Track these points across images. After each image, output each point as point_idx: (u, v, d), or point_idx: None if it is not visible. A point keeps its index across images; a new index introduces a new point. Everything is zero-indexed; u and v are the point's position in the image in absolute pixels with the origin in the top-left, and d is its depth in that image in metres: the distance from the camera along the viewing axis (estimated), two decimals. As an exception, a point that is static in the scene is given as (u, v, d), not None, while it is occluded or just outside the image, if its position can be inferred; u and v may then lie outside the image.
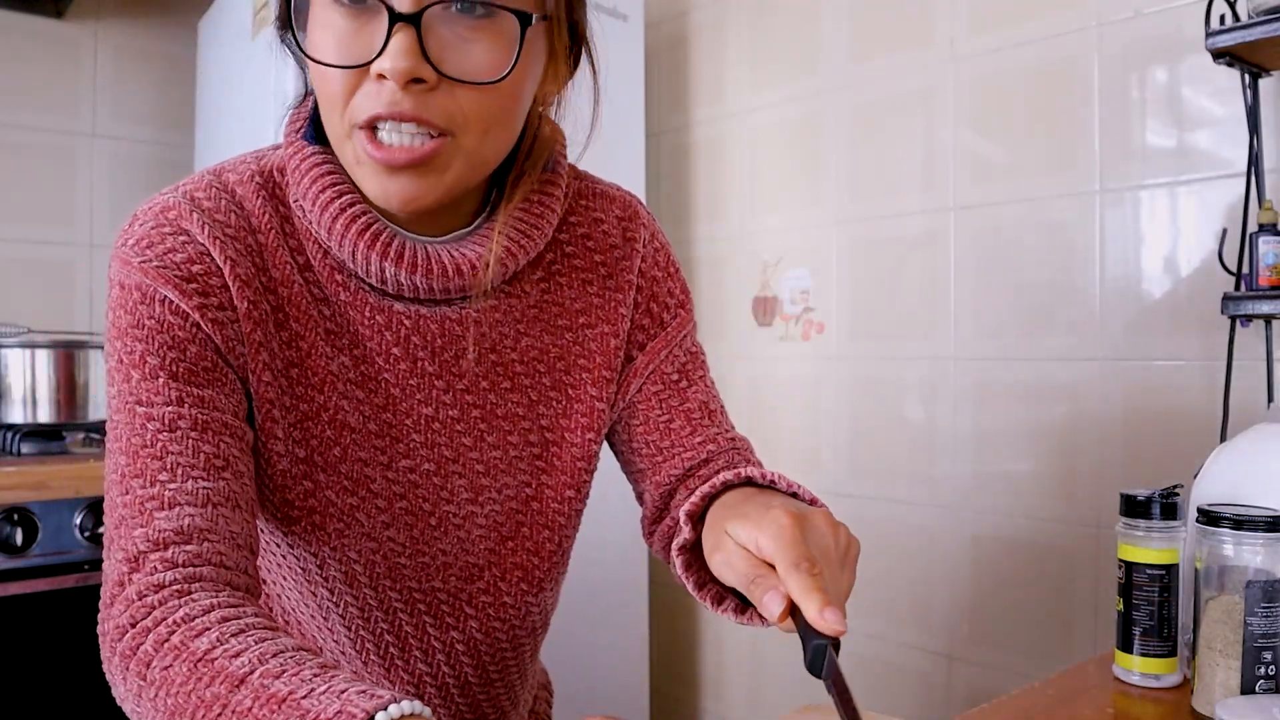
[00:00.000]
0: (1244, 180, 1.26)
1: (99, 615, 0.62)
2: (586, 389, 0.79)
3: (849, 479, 1.79)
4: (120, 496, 0.62)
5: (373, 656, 0.78)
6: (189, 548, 0.60)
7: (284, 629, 0.79)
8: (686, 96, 2.12)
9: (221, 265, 0.66)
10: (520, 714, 0.89)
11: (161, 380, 0.64)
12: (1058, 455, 1.50)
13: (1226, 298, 1.21)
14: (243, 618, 0.58)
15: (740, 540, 0.62)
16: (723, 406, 0.87)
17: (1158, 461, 1.38)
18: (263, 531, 0.74)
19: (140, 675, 0.57)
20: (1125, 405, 1.43)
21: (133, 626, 0.58)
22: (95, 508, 1.45)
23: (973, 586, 1.60)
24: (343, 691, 0.51)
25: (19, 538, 1.38)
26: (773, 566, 0.59)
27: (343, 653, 0.78)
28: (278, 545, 0.74)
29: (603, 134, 0.76)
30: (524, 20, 0.61)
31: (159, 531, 0.60)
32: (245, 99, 1.79)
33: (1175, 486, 0.85)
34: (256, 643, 0.55)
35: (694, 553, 0.71)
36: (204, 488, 0.62)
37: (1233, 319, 1.26)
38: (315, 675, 0.53)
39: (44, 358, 1.68)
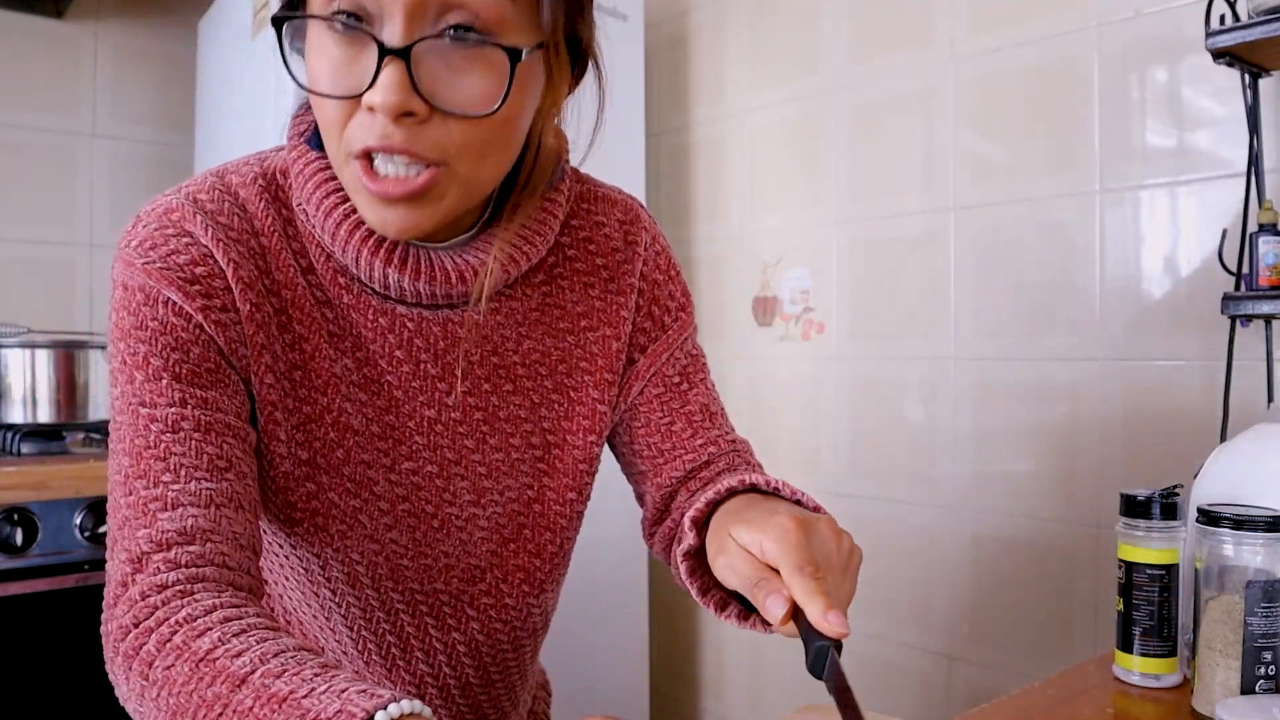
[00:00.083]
0: (1244, 180, 1.26)
1: (102, 615, 0.62)
2: (588, 391, 0.79)
3: (849, 479, 1.79)
4: (124, 497, 0.63)
5: (374, 656, 0.78)
6: (192, 548, 0.60)
7: (286, 629, 0.79)
8: (686, 96, 2.12)
9: (224, 267, 0.66)
10: (520, 714, 0.89)
11: (165, 381, 0.64)
12: (1058, 455, 1.50)
13: (1226, 298, 1.21)
14: (244, 618, 0.58)
15: (744, 544, 0.63)
16: (723, 409, 0.87)
17: (1158, 461, 1.38)
18: (265, 532, 0.74)
19: (143, 675, 0.57)
20: (1125, 405, 1.43)
21: (135, 627, 0.58)
22: (95, 508, 1.45)
23: (973, 586, 1.60)
24: (343, 691, 0.51)
25: (19, 538, 1.38)
26: (777, 571, 0.59)
27: (344, 652, 0.78)
28: (280, 546, 0.74)
29: (603, 134, 0.75)
30: (514, 55, 0.60)
31: (162, 532, 0.60)
32: (245, 99, 1.79)
33: (1175, 486, 0.85)
34: (258, 642, 0.56)
35: (698, 558, 0.71)
36: (207, 488, 0.62)
37: (1233, 319, 1.26)
38: (316, 675, 0.53)
39: (44, 358, 1.68)
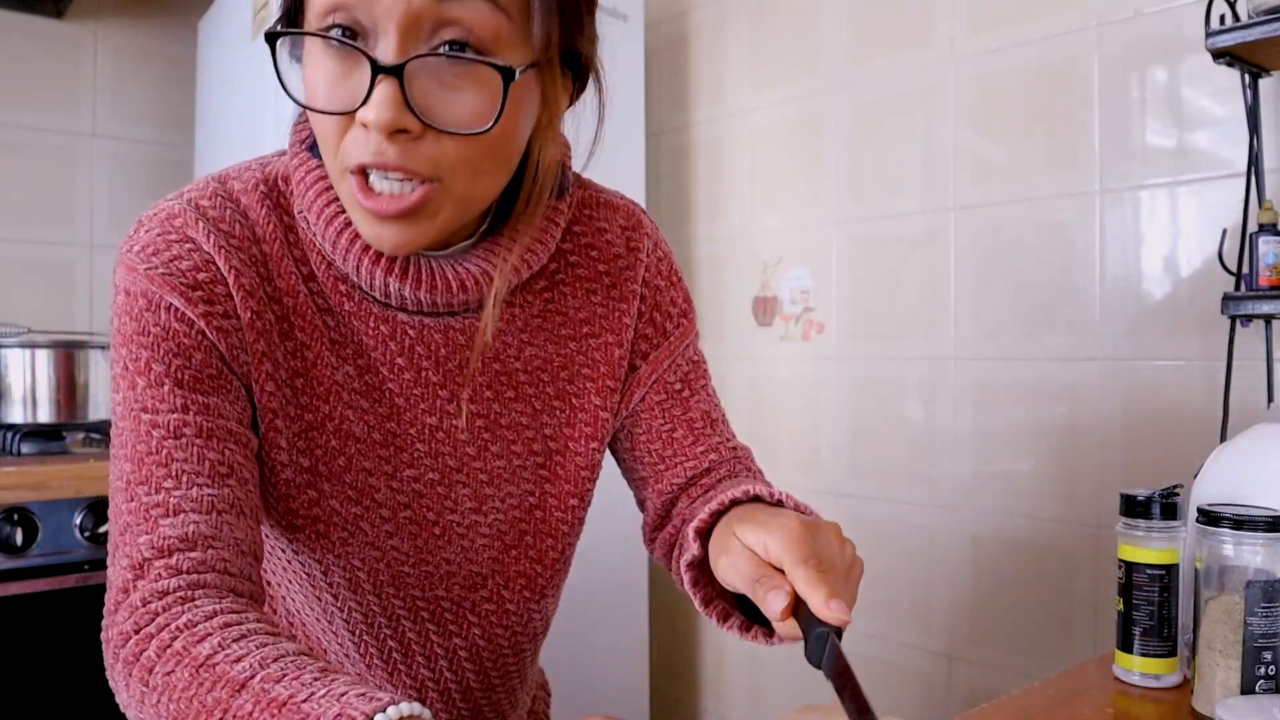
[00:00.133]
0: (1244, 180, 1.26)
1: (103, 622, 0.62)
2: (590, 398, 0.79)
3: (849, 479, 1.79)
4: (125, 503, 0.63)
5: (376, 661, 0.78)
6: (193, 555, 0.61)
7: (286, 633, 0.79)
8: (686, 96, 2.12)
9: (226, 274, 0.66)
10: (520, 715, 0.89)
11: (167, 387, 0.64)
12: (1058, 455, 1.50)
13: (1226, 298, 1.21)
14: (245, 623, 0.58)
15: (748, 543, 0.63)
16: (724, 415, 0.87)
17: (1158, 461, 1.38)
18: (267, 537, 0.74)
19: (143, 681, 0.57)
20: (1125, 405, 1.43)
21: (136, 633, 0.58)
22: (95, 508, 1.45)
23: (973, 586, 1.60)
24: (342, 694, 0.51)
25: (19, 538, 1.38)
26: (781, 572, 0.60)
27: (346, 656, 0.78)
28: (282, 550, 0.74)
29: (602, 146, 0.75)
30: (507, 74, 0.60)
31: (163, 538, 0.60)
32: (245, 99, 1.79)
33: (1175, 486, 0.85)
34: (258, 647, 0.56)
35: (701, 569, 0.71)
36: (209, 495, 0.62)
37: (1233, 319, 1.26)
38: (316, 679, 0.53)
39: (44, 358, 1.68)
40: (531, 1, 0.61)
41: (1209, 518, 0.77)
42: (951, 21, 1.62)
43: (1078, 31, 1.46)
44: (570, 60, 0.68)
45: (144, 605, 0.59)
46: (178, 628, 0.57)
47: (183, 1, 2.17)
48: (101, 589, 0.63)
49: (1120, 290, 1.43)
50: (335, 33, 0.60)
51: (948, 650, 1.64)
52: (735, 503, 0.71)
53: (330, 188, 0.68)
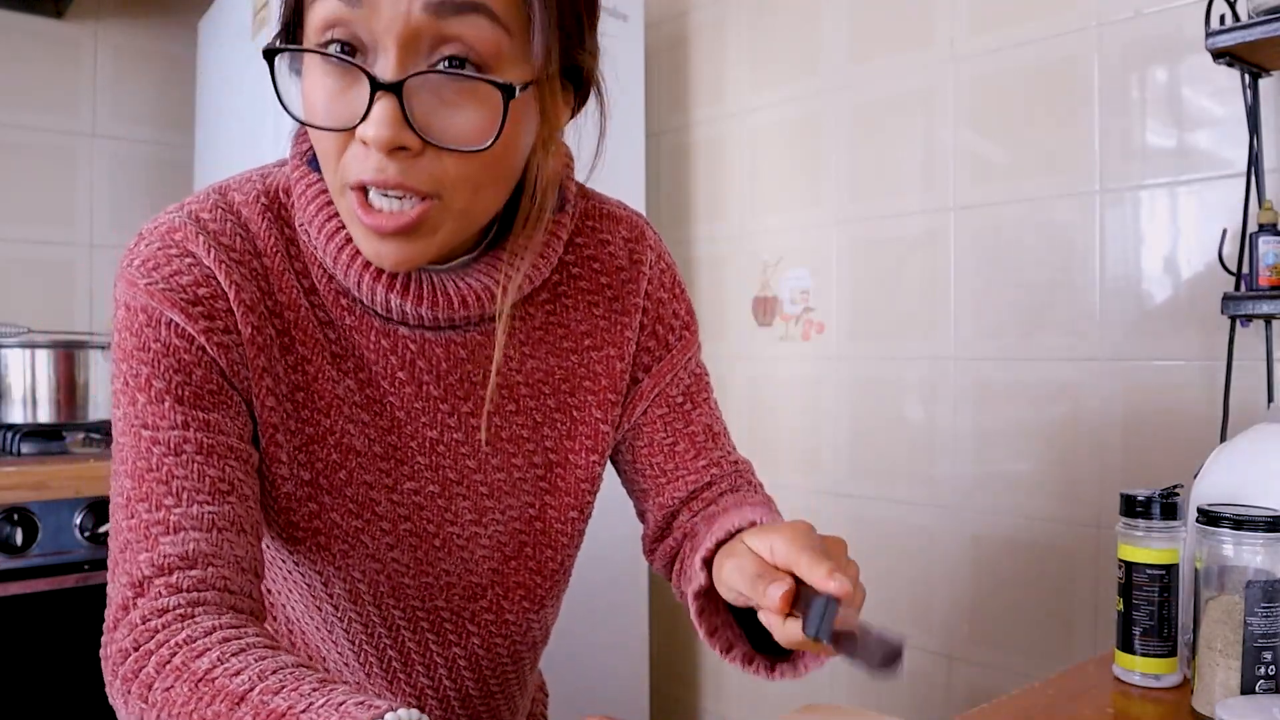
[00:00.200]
0: (1244, 180, 1.26)
1: (102, 639, 0.62)
2: (591, 411, 0.79)
3: (849, 479, 1.79)
4: (125, 520, 0.62)
5: (375, 669, 0.78)
6: (193, 573, 0.60)
7: (286, 642, 0.79)
8: (686, 96, 2.12)
9: (227, 290, 0.66)
10: None
11: (167, 404, 0.64)
12: (1058, 455, 1.50)
13: (1226, 298, 1.21)
14: (244, 637, 0.58)
15: (754, 547, 0.63)
16: (725, 429, 0.87)
17: (1158, 461, 1.38)
18: (267, 547, 0.74)
19: (142, 698, 0.57)
20: (1125, 405, 1.43)
21: (135, 650, 0.58)
22: (95, 508, 1.45)
23: (973, 586, 1.60)
24: (340, 703, 0.52)
25: (19, 538, 1.38)
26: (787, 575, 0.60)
27: (345, 664, 0.78)
28: (282, 561, 0.74)
29: (604, 160, 0.74)
30: (508, 93, 0.59)
31: (164, 556, 0.60)
32: (245, 99, 1.79)
33: (1175, 486, 0.85)
34: (256, 660, 0.56)
35: (707, 598, 0.70)
36: (209, 512, 0.62)
37: (1233, 319, 1.26)
38: (314, 689, 0.53)
39: (44, 358, 1.68)
40: (532, 18, 0.60)
41: (1209, 518, 0.77)
42: (951, 21, 1.62)
43: (1078, 31, 1.46)
44: (571, 74, 0.67)
45: (144, 623, 0.59)
46: (177, 644, 0.57)
47: (183, 1, 2.17)
48: (102, 589, 0.63)
49: (1120, 290, 1.43)
50: (334, 48, 0.59)
51: (948, 650, 1.64)
52: (739, 531, 0.71)
53: (330, 202, 0.67)
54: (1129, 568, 0.84)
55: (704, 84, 2.08)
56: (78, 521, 1.44)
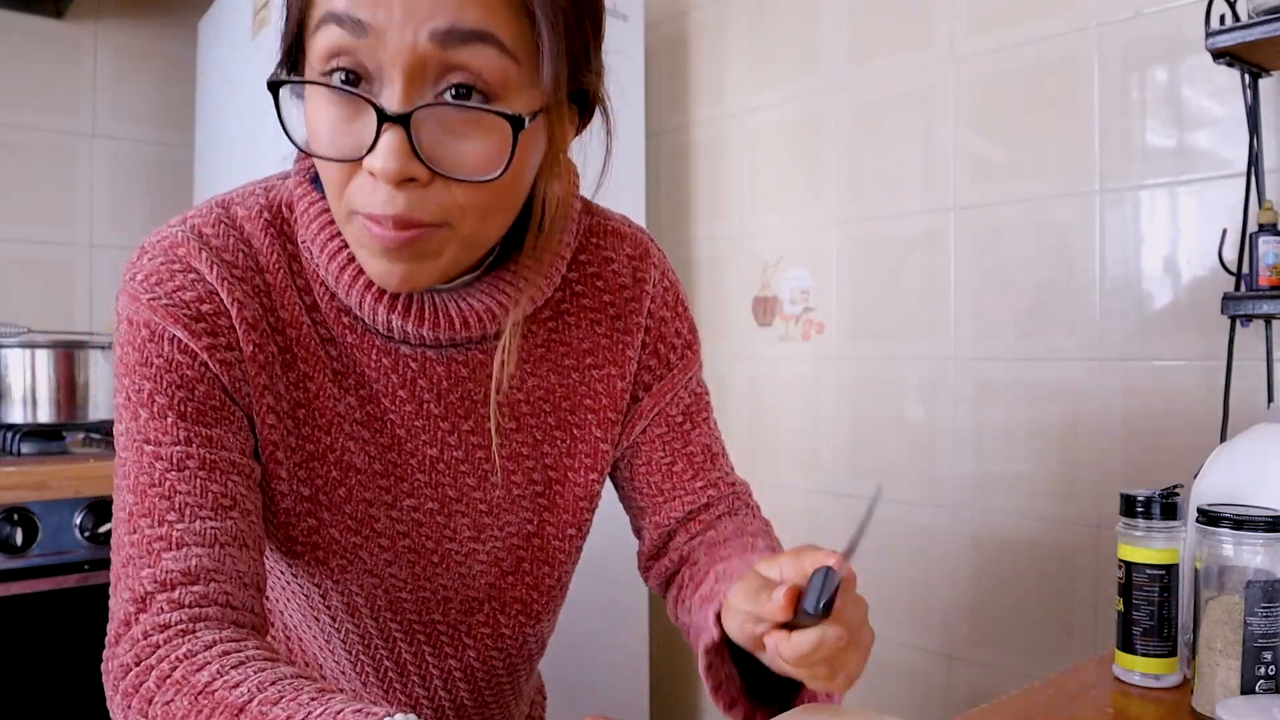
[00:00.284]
0: (1244, 180, 1.26)
1: (104, 653, 0.62)
2: (591, 430, 0.79)
3: (849, 479, 1.79)
4: (128, 535, 0.62)
5: (372, 679, 0.78)
6: (195, 588, 0.61)
7: (285, 649, 0.80)
8: (686, 96, 2.12)
9: (229, 307, 0.65)
10: None
11: (170, 420, 0.63)
12: (1058, 455, 1.50)
13: (1226, 298, 1.21)
14: (243, 650, 0.58)
15: (764, 571, 0.63)
16: (724, 449, 0.87)
17: (1158, 461, 1.38)
18: (267, 557, 0.74)
19: (142, 713, 0.57)
20: (1125, 405, 1.43)
21: (136, 665, 0.58)
22: (95, 508, 1.45)
23: (973, 586, 1.60)
24: (338, 712, 0.52)
25: (19, 538, 1.38)
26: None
27: (342, 673, 0.79)
28: (282, 571, 0.74)
29: (609, 178, 0.74)
30: (517, 124, 0.58)
31: (166, 572, 0.60)
32: (245, 99, 1.79)
33: (1175, 486, 0.85)
34: (256, 672, 0.56)
35: (716, 654, 0.70)
36: (211, 528, 0.62)
37: (1233, 319, 1.26)
38: (312, 699, 0.53)
39: (44, 358, 1.68)
40: (541, 46, 0.59)
41: (1209, 518, 0.77)
42: (951, 21, 1.62)
43: (1078, 31, 1.46)
44: (576, 95, 0.67)
45: (145, 638, 0.59)
46: (177, 658, 0.57)
47: (183, 1, 2.17)
48: (102, 589, 0.63)
49: (1120, 290, 1.43)
50: (338, 77, 0.58)
51: (948, 650, 1.64)
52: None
53: (333, 221, 0.67)
54: (1129, 568, 0.84)
55: (704, 84, 2.08)
56: (78, 521, 1.44)
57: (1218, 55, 1.17)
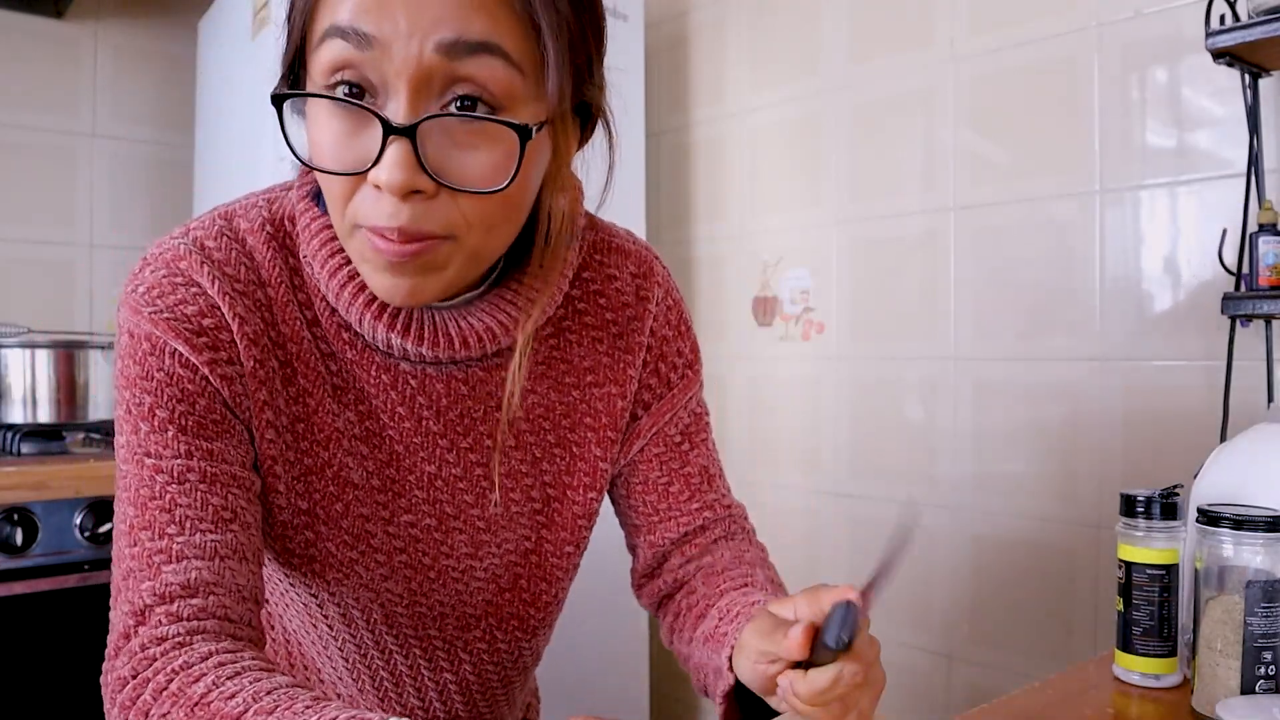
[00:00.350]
0: (1244, 180, 1.26)
1: (103, 666, 0.62)
2: (590, 448, 0.78)
3: (849, 479, 1.79)
4: (128, 548, 0.62)
5: (368, 687, 0.79)
6: (194, 601, 0.61)
7: (284, 653, 0.80)
8: (686, 96, 2.12)
9: (230, 321, 0.65)
10: None
11: (170, 433, 0.63)
12: (1058, 455, 1.50)
13: (1226, 298, 1.21)
14: (239, 661, 0.58)
15: (778, 611, 0.63)
16: (721, 471, 0.86)
17: (1158, 461, 1.38)
18: (265, 565, 0.74)
19: None
20: (1125, 405, 1.43)
21: (134, 678, 0.58)
22: (95, 508, 1.45)
23: (973, 586, 1.60)
24: (334, 719, 0.52)
25: (19, 538, 1.38)
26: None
27: (339, 679, 0.79)
28: (280, 580, 0.75)
29: (612, 193, 0.73)
30: (524, 134, 0.58)
31: (165, 585, 0.60)
32: (245, 99, 1.79)
33: (1175, 486, 0.85)
34: (251, 683, 0.56)
35: (731, 703, 0.70)
36: (211, 541, 0.62)
37: (1233, 319, 1.26)
38: (307, 708, 0.53)
39: (44, 358, 1.68)
40: (546, 57, 0.59)
41: (1209, 518, 0.77)
42: (951, 21, 1.62)
43: (1078, 31, 1.46)
44: (579, 108, 0.66)
45: (142, 650, 0.59)
46: (173, 670, 0.57)
47: (183, 1, 2.17)
48: (102, 589, 0.63)
49: (1120, 290, 1.43)
50: (342, 90, 0.58)
51: (948, 650, 1.64)
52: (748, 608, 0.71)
53: (335, 238, 0.67)
54: (1129, 568, 0.84)
55: (704, 84, 2.08)
56: (78, 521, 1.44)
57: (1218, 55, 1.17)
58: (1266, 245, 1.19)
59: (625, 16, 1.92)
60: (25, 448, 1.58)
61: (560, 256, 0.71)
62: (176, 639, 0.59)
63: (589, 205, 0.76)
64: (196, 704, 0.55)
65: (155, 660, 0.58)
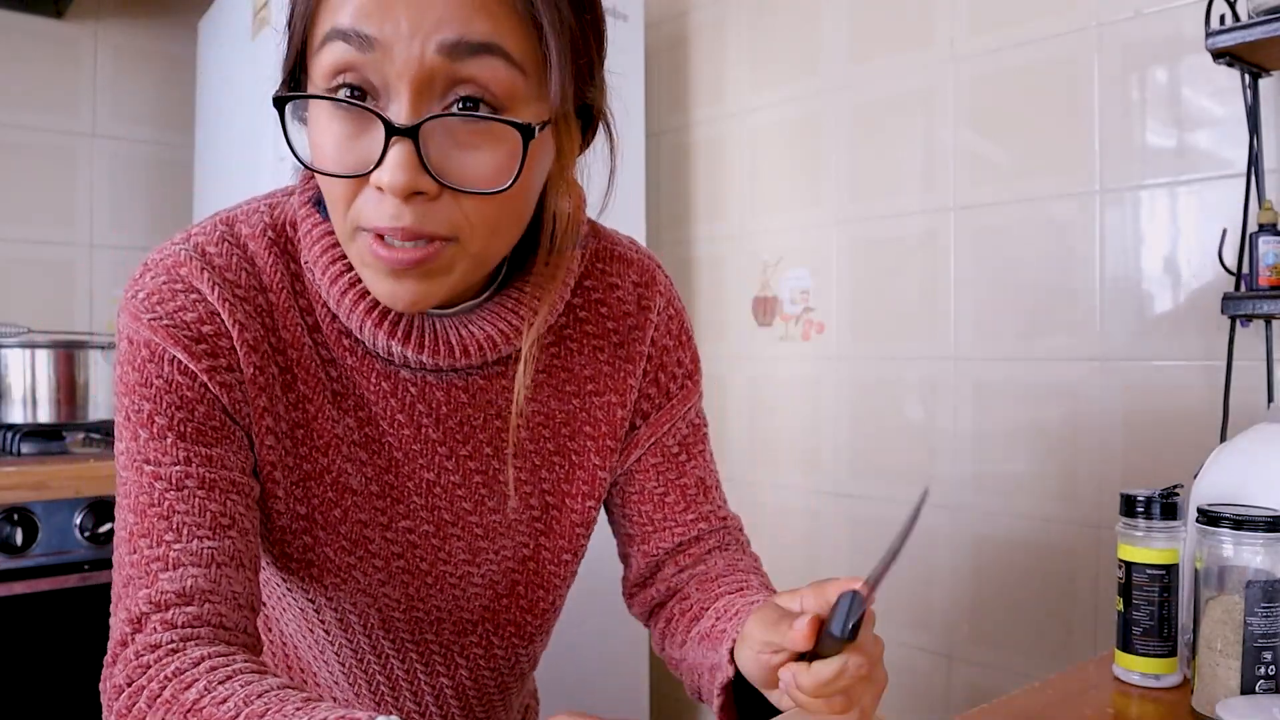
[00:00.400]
0: (1244, 180, 1.26)
1: (102, 673, 0.62)
2: (590, 457, 0.78)
3: (849, 479, 1.79)
4: (128, 556, 0.63)
5: (364, 690, 0.79)
6: (189, 609, 0.61)
7: (281, 657, 0.80)
8: (686, 96, 2.12)
9: (230, 328, 0.65)
10: None
11: (169, 440, 0.63)
12: (1058, 455, 1.50)
13: (1226, 298, 1.21)
14: (231, 664, 0.58)
15: (783, 603, 0.63)
16: (718, 482, 0.86)
17: (1158, 461, 1.38)
18: (265, 568, 0.74)
19: None
20: (1125, 405, 1.43)
21: (129, 686, 0.59)
22: (95, 508, 1.45)
23: (973, 586, 1.60)
24: (323, 719, 0.52)
25: (19, 538, 1.38)
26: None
27: (335, 683, 0.79)
28: (278, 584, 0.74)
29: (614, 196, 0.73)
30: (527, 134, 0.58)
31: (161, 593, 0.61)
32: (245, 99, 1.79)
33: (1175, 486, 0.85)
34: (242, 686, 0.56)
35: (729, 696, 0.70)
36: (209, 548, 0.62)
37: (1233, 319, 1.26)
38: (298, 709, 0.53)
39: (44, 358, 1.68)
40: (548, 57, 0.59)
41: (1209, 518, 0.77)
42: (951, 21, 1.62)
43: (1078, 31, 1.46)
44: (581, 110, 0.66)
45: (137, 658, 0.59)
46: (166, 677, 0.57)
47: (183, 1, 2.17)
48: (102, 589, 0.63)
49: (1120, 290, 1.43)
50: (344, 93, 0.58)
51: (948, 650, 1.64)
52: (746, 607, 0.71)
53: (336, 244, 0.67)
54: (1129, 568, 0.84)
55: (704, 84, 2.08)
56: (78, 521, 1.44)
57: (1218, 55, 1.17)
58: (1266, 245, 1.19)
59: (625, 16, 1.92)
60: (25, 448, 1.58)
61: (565, 259, 0.71)
62: (170, 645, 0.59)
63: (591, 211, 0.76)
64: (189, 710, 0.55)
65: (149, 668, 0.58)
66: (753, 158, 1.98)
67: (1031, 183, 1.52)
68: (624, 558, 0.87)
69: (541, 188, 0.66)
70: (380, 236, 0.59)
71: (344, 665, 0.77)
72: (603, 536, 0.88)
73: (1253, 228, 1.23)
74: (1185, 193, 1.37)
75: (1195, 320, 1.35)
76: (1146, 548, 0.83)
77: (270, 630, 0.81)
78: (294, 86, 0.64)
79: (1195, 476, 0.90)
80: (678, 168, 2.14)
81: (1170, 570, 0.82)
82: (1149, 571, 0.82)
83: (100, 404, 1.72)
